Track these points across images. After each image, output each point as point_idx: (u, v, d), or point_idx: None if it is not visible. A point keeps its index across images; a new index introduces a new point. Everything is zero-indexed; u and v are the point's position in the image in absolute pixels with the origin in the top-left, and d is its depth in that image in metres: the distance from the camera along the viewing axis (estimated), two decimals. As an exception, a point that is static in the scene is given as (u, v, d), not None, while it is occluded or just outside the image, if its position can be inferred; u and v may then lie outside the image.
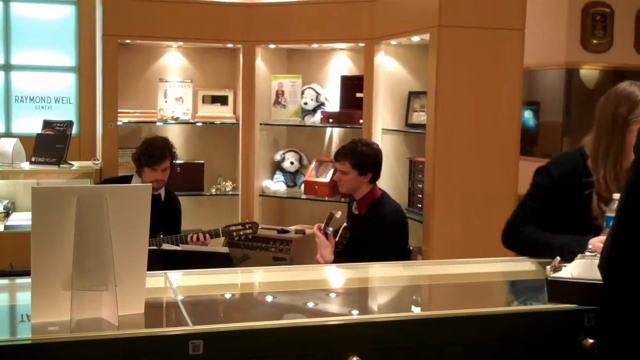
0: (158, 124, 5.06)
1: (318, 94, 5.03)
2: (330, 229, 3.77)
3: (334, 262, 3.66)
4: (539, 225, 2.66)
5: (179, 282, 2.53)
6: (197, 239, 4.01)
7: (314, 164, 5.08)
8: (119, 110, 4.83)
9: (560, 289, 2.18)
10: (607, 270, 1.96)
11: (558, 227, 2.55)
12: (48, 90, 5.98)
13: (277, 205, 5.28)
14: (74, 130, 5.29)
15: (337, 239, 3.82)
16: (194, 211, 5.04)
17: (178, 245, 3.89)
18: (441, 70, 3.85)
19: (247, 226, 4.15)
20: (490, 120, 3.95)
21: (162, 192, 4.21)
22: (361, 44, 4.70)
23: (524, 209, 2.75)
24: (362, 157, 3.78)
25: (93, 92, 5.57)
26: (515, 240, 2.75)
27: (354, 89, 4.87)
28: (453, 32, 3.86)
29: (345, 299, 2.53)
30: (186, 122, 5.14)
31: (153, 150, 4.08)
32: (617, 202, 2.35)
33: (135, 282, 1.99)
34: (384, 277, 2.91)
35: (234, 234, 4.12)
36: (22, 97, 5.93)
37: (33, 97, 5.94)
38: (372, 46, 4.59)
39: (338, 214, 3.84)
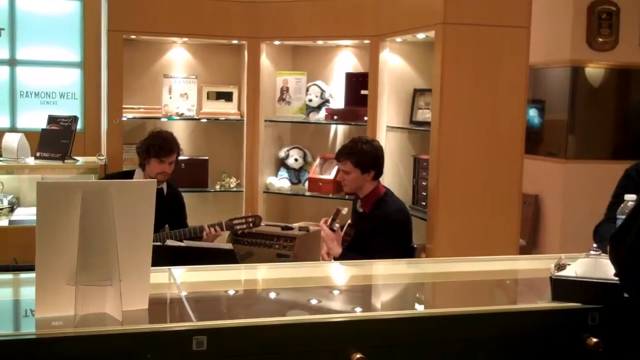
0: (163, 119, 5.06)
1: (323, 91, 5.03)
2: (337, 224, 3.78)
3: (340, 257, 3.66)
4: None
5: (183, 278, 2.54)
6: (215, 230, 4.03)
7: (318, 160, 5.07)
8: (123, 106, 4.83)
9: (565, 288, 2.18)
10: (626, 273, 1.94)
11: None
12: (53, 85, 5.98)
13: (281, 202, 5.28)
14: (79, 126, 5.30)
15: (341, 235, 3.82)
16: (198, 207, 5.04)
17: (182, 241, 3.90)
18: (446, 67, 3.85)
19: (249, 219, 4.16)
20: (495, 118, 3.94)
21: (165, 186, 4.20)
22: (366, 41, 4.69)
23: (608, 210, 2.79)
24: (362, 156, 3.78)
25: (98, 87, 5.58)
26: (594, 238, 2.78)
27: (359, 86, 4.87)
28: (458, 30, 3.85)
29: (349, 296, 2.53)
30: (191, 118, 5.14)
31: (163, 142, 4.07)
32: (630, 203, 2.35)
33: (140, 277, 2.00)
34: (387, 274, 2.91)
35: (237, 227, 4.13)
36: (27, 92, 5.93)
37: (38, 93, 5.94)
38: (377, 43, 4.58)
39: (344, 210, 3.85)
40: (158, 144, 4.05)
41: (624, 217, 2.13)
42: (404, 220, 3.81)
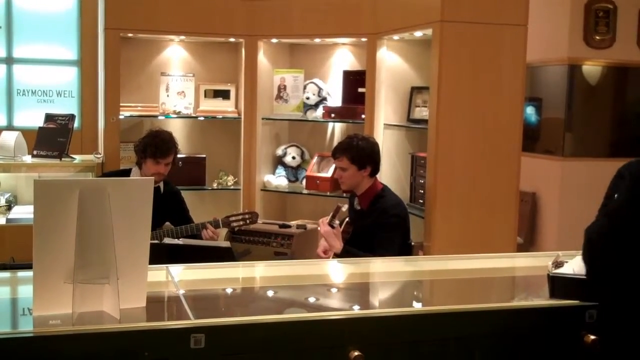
0: (160, 117, 5.05)
1: (320, 89, 5.03)
2: (337, 222, 3.78)
3: (342, 253, 3.65)
4: None
5: (181, 276, 2.54)
6: (213, 229, 4.01)
7: (315, 158, 5.07)
8: (120, 104, 4.82)
9: (562, 285, 2.18)
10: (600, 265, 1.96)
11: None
12: (50, 83, 5.97)
13: (279, 200, 5.28)
14: (76, 124, 5.29)
15: (339, 233, 3.82)
16: (195, 206, 5.02)
17: (179, 239, 3.89)
18: (443, 65, 3.85)
19: (246, 216, 4.16)
20: (492, 116, 3.94)
21: (161, 184, 4.19)
22: (363, 39, 4.69)
23: (599, 212, 2.79)
24: (359, 152, 3.79)
25: (95, 85, 5.57)
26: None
27: (356, 84, 4.87)
28: (456, 28, 3.85)
29: (346, 293, 2.53)
30: (188, 116, 5.13)
31: (160, 143, 4.03)
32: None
33: (137, 275, 2.00)
34: (385, 272, 2.91)
35: (233, 224, 4.12)
36: (24, 90, 5.92)
37: (35, 91, 5.93)
38: (375, 41, 4.58)
39: (344, 207, 3.85)
40: (155, 145, 4.03)
41: None
42: (402, 214, 3.81)
